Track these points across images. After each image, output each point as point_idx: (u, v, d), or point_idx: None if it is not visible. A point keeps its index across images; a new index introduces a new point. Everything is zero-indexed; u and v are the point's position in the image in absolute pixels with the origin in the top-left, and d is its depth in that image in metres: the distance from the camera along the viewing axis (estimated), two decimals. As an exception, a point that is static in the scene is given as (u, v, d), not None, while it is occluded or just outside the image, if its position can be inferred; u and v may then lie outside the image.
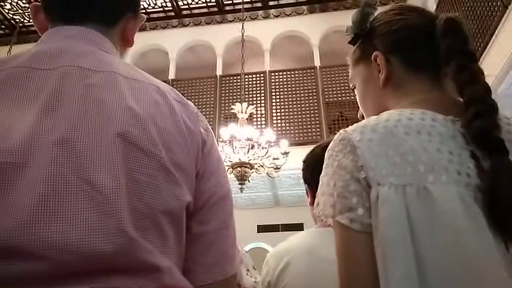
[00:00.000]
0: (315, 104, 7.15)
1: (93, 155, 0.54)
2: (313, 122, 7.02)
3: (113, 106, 0.58)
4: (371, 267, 0.55)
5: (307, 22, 8.04)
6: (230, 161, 4.87)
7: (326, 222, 1.12)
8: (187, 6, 8.32)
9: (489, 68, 4.18)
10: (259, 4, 8.22)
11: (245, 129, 4.98)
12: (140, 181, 0.56)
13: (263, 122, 7.06)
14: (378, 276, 0.54)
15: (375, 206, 0.56)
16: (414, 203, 0.55)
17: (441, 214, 0.54)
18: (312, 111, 7.13)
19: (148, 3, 8.05)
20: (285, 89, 7.43)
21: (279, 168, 5.10)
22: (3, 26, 8.46)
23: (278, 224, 7.90)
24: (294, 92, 7.35)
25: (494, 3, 4.23)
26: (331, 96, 7.18)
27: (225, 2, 8.23)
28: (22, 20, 8.22)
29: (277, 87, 7.47)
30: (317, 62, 7.58)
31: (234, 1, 8.14)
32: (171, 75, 7.88)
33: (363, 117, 0.81)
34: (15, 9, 8.05)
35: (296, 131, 6.96)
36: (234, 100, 6.51)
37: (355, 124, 0.65)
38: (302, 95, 7.32)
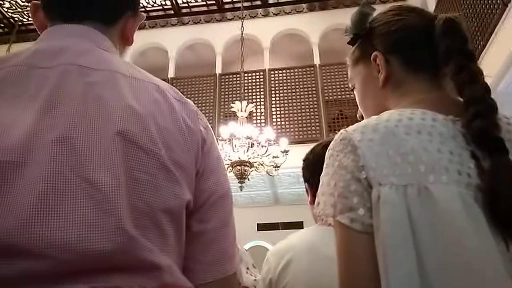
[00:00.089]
0: (315, 102, 7.15)
1: (93, 154, 0.54)
2: (312, 121, 7.02)
3: (112, 104, 0.58)
4: (371, 267, 0.55)
5: (306, 20, 8.03)
6: (230, 160, 4.87)
7: (327, 221, 1.13)
8: (186, 5, 8.32)
9: (489, 66, 4.18)
10: (258, 2, 8.21)
11: (244, 128, 4.98)
12: (140, 180, 0.56)
13: (263, 121, 7.06)
14: (378, 276, 0.54)
15: (376, 206, 0.57)
16: (415, 203, 0.55)
17: (442, 214, 0.54)
18: (311, 109, 7.13)
19: (147, 2, 8.04)
20: (285, 88, 7.42)
21: (279, 167, 5.10)
22: (2, 25, 8.45)
23: (278, 223, 7.91)
24: (293, 90, 7.35)
25: (494, 1, 4.23)
26: (330, 94, 7.19)
27: (224, 1, 8.22)
28: (21, 18, 8.21)
29: (276, 85, 7.47)
30: (316, 60, 7.58)
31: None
32: (171, 74, 7.88)
33: (362, 117, 0.81)
34: (14, 7, 8.03)
35: (296, 129, 6.96)
36: (234, 99, 6.51)
37: (355, 124, 0.65)
38: (301, 93, 7.32)
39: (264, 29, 8.03)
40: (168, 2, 8.19)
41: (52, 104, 0.56)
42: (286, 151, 4.97)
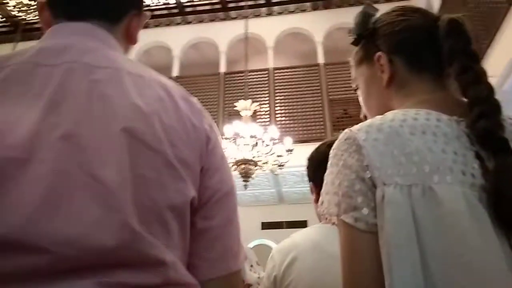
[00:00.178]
0: (319, 101, 7.14)
1: (98, 151, 0.54)
2: (317, 120, 7.01)
3: (117, 102, 0.59)
4: (375, 266, 0.56)
5: (310, 19, 8.02)
6: (234, 158, 4.87)
7: (331, 220, 1.13)
8: (190, 3, 8.32)
9: (494, 65, 4.16)
10: (262, 1, 8.20)
11: (249, 126, 4.98)
12: (145, 176, 0.56)
13: (267, 119, 7.06)
14: (382, 275, 0.54)
15: (381, 206, 0.57)
16: (420, 203, 0.55)
17: (446, 215, 0.54)
18: (316, 109, 7.12)
19: (151, 0, 8.05)
20: (289, 86, 7.42)
21: (283, 166, 5.10)
22: (7, 24, 8.49)
23: (282, 221, 7.91)
24: (298, 89, 7.35)
25: (498, 1, 4.21)
26: (335, 93, 7.17)
27: (228, -1, 8.22)
28: (26, 17, 8.25)
29: (281, 84, 7.46)
30: (320, 59, 7.57)
31: (238, -2, 8.14)
32: (175, 72, 7.89)
33: (366, 118, 0.81)
34: (19, 6, 8.07)
35: (300, 128, 6.96)
36: (238, 97, 6.51)
37: (360, 124, 0.65)
38: (306, 92, 7.31)
39: (268, 28, 8.02)
40: (173, 1, 8.20)
41: (56, 102, 0.56)
42: (290, 150, 4.97)
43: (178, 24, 8.45)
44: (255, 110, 5.69)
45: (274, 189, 7.60)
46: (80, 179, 0.51)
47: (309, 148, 1.31)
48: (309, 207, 1.39)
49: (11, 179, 0.49)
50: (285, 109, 7.24)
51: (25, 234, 0.47)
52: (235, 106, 5.63)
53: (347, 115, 7.06)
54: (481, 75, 0.65)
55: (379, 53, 0.76)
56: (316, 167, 1.18)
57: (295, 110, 7.18)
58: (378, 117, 0.65)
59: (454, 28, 0.69)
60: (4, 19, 8.38)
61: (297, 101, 7.24)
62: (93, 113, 0.56)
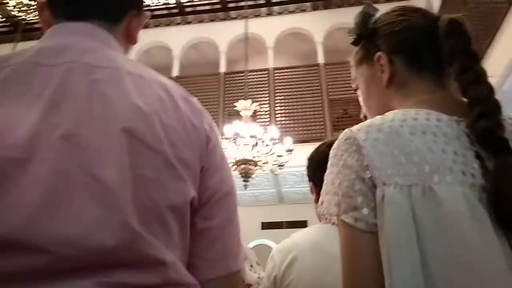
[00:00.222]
0: (319, 101, 7.14)
1: (98, 151, 0.54)
2: (317, 120, 7.02)
3: (117, 102, 0.58)
4: (375, 266, 0.56)
5: (310, 19, 8.02)
6: (234, 158, 4.87)
7: (331, 220, 1.13)
8: (190, 3, 8.32)
9: (495, 65, 4.17)
10: (262, 1, 8.20)
11: (249, 126, 4.98)
12: (145, 176, 0.56)
13: (267, 119, 7.06)
14: (382, 275, 0.54)
15: (381, 206, 0.57)
16: (420, 203, 0.55)
17: (446, 215, 0.54)
18: (316, 109, 7.12)
19: (151, 0, 8.05)
20: (289, 86, 7.42)
21: (283, 166, 5.10)
22: (7, 24, 8.49)
23: (282, 221, 7.91)
24: (298, 89, 7.35)
25: (499, 1, 4.21)
26: (335, 93, 7.18)
27: (228, -1, 8.23)
28: (26, 17, 8.25)
29: (281, 84, 7.46)
30: (321, 59, 7.57)
31: (238, -2, 8.14)
32: (175, 72, 7.89)
33: (366, 118, 0.81)
34: (19, 6, 8.07)
35: (300, 128, 6.96)
36: (238, 98, 6.51)
37: (360, 124, 0.65)
38: (306, 92, 7.31)
39: (268, 28, 8.02)
40: (173, 1, 8.20)
41: (56, 102, 0.56)
42: (290, 150, 4.98)
43: (178, 24, 8.45)
44: (255, 110, 5.69)
45: (274, 189, 7.60)
46: (80, 179, 0.51)
47: (309, 148, 1.31)
48: (309, 207, 1.39)
49: (11, 179, 0.49)
50: (285, 109, 7.24)
51: (25, 234, 0.46)
52: (235, 106, 5.63)
53: (347, 115, 7.06)
54: (481, 75, 0.65)
55: (379, 53, 0.76)
56: (316, 167, 1.18)
57: (295, 110, 7.18)
58: (378, 117, 0.65)
59: (454, 28, 0.69)
60: (4, 19, 8.39)
61: (297, 101, 7.24)
62: (93, 113, 0.56)
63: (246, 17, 6.72)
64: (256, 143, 4.95)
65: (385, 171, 0.58)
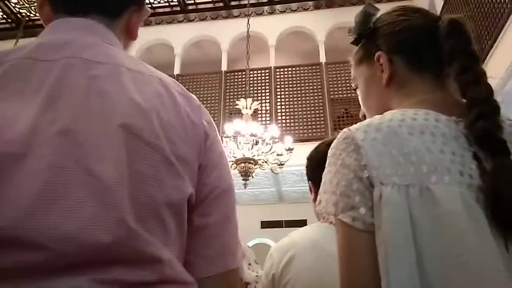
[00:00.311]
0: (320, 100, 7.14)
1: (95, 146, 0.54)
2: (318, 119, 7.01)
3: (116, 97, 0.58)
4: (372, 266, 0.56)
5: (312, 18, 8.01)
6: (234, 157, 4.88)
7: (328, 219, 1.13)
8: (193, 1, 8.32)
9: (497, 66, 4.16)
10: (264, 0, 8.20)
11: (249, 125, 4.98)
12: (143, 172, 0.56)
13: (268, 118, 7.06)
14: (379, 274, 0.54)
15: (378, 205, 0.57)
16: (417, 203, 0.55)
17: (443, 215, 0.54)
18: (317, 108, 7.12)
19: (154, -2, 8.05)
20: (290, 85, 7.42)
21: (283, 164, 5.10)
22: (9, 20, 8.50)
23: (282, 220, 7.92)
24: (299, 88, 7.34)
25: (501, 1, 4.20)
26: (336, 92, 7.17)
27: (230, -3, 8.22)
28: (28, 14, 8.26)
29: (282, 83, 7.46)
30: (322, 59, 7.56)
31: (240, -4, 8.13)
32: (176, 70, 7.89)
33: (365, 117, 0.81)
34: (21, 3, 8.08)
35: (301, 127, 6.96)
36: (239, 96, 6.52)
37: (358, 123, 0.65)
38: (307, 91, 7.31)
39: (270, 26, 8.02)
40: (175, -1, 8.20)
41: (54, 98, 0.56)
42: (290, 149, 4.97)
43: (180, 22, 8.45)
44: (256, 109, 5.68)
45: (274, 188, 7.61)
46: (77, 174, 0.51)
47: (310, 147, 1.31)
48: (308, 206, 1.39)
49: (8, 174, 0.49)
50: (286, 108, 7.24)
51: (22, 229, 0.46)
52: (236, 105, 5.63)
53: (348, 114, 7.06)
54: (481, 76, 0.65)
55: (379, 53, 0.76)
56: (315, 167, 1.18)
57: (296, 109, 7.18)
58: (377, 116, 0.65)
59: (455, 28, 0.69)
60: (6, 15, 8.39)
61: (298, 100, 7.24)
62: (91, 109, 0.56)
63: (248, 15, 6.71)
64: (257, 141, 4.95)
65: (383, 170, 0.58)
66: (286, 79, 7.50)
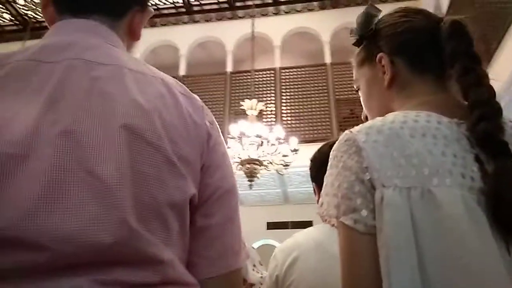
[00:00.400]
0: (326, 101, 7.13)
1: (97, 147, 0.54)
2: (323, 120, 7.00)
3: (118, 98, 0.58)
4: (374, 268, 0.56)
5: (318, 18, 8.00)
6: (240, 158, 4.88)
7: (330, 221, 1.13)
8: (198, 3, 8.34)
9: (503, 66, 4.13)
10: (269, 0, 8.20)
11: (254, 126, 4.98)
12: (145, 173, 0.56)
13: (273, 119, 7.06)
14: (380, 277, 0.54)
15: (380, 208, 0.57)
16: (418, 205, 0.55)
17: (445, 218, 0.54)
18: (322, 109, 7.11)
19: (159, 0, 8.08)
20: (296, 86, 7.41)
21: (288, 165, 5.09)
22: (16, 22, 8.56)
23: (288, 221, 7.90)
24: (304, 89, 7.34)
25: (507, 1, 4.17)
26: (341, 93, 7.16)
27: (235, -1, 8.23)
28: (34, 16, 8.32)
29: (287, 84, 7.46)
30: (327, 59, 7.55)
31: (245, -3, 8.14)
32: (182, 72, 7.91)
33: (366, 118, 0.81)
34: (28, 5, 8.14)
35: (306, 128, 6.95)
36: (244, 97, 6.51)
37: (360, 125, 0.65)
38: (312, 92, 7.30)
39: (275, 27, 8.02)
40: (180, 0, 8.22)
41: (56, 99, 0.56)
42: (295, 150, 4.97)
43: (185, 23, 8.47)
44: (261, 110, 5.68)
45: (280, 189, 7.60)
46: (78, 175, 0.51)
47: (315, 148, 1.31)
48: (314, 208, 1.38)
49: (9, 175, 0.49)
50: (291, 109, 7.23)
51: (24, 230, 0.47)
52: (241, 106, 5.63)
53: (353, 115, 7.04)
54: (483, 78, 0.65)
55: (380, 54, 0.76)
56: (319, 168, 1.18)
57: (301, 110, 7.17)
58: (379, 118, 0.65)
59: (457, 29, 0.68)
60: (13, 17, 8.46)
61: (304, 101, 7.23)
62: (93, 110, 0.56)
63: (253, 16, 6.72)
64: (262, 142, 4.95)
65: (384, 173, 0.58)
66: (291, 80, 7.50)
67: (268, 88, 7.45)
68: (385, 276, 0.53)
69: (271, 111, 7.21)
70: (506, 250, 0.54)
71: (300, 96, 7.29)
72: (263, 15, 8.11)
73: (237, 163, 4.85)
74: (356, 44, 0.82)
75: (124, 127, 0.56)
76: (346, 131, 0.66)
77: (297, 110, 7.20)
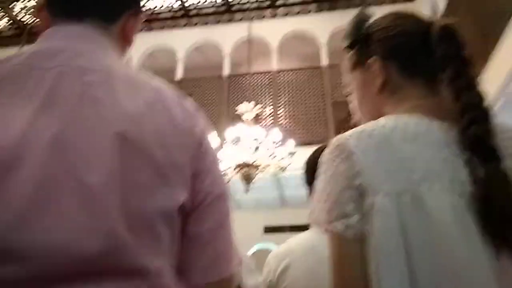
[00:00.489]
0: (323, 103, 7.14)
1: (87, 155, 0.53)
2: (320, 122, 7.00)
3: (108, 105, 0.58)
4: (364, 273, 0.56)
5: (314, 21, 8.03)
6: (236, 162, 4.87)
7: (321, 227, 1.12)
8: (195, 6, 8.35)
9: (499, 67, 4.15)
10: (266, 3, 8.22)
11: (251, 129, 4.98)
12: (135, 181, 0.55)
13: (270, 122, 7.06)
14: (369, 282, 0.54)
15: (370, 213, 0.57)
16: (408, 211, 0.55)
17: (434, 223, 0.54)
18: (319, 111, 7.11)
19: (156, 3, 8.09)
20: (293, 89, 7.42)
21: (285, 169, 5.09)
22: (14, 27, 8.56)
23: (285, 225, 7.88)
24: (301, 91, 7.34)
25: (504, 2, 4.19)
26: (338, 96, 7.16)
27: (232, 2, 8.24)
28: (32, 21, 8.31)
29: (284, 86, 7.47)
30: (324, 62, 7.56)
31: (242, 1, 8.15)
32: (179, 75, 7.91)
33: (359, 123, 0.81)
34: (25, 10, 8.14)
35: (303, 131, 6.95)
36: (241, 100, 6.51)
37: (351, 130, 0.65)
38: (309, 94, 7.31)
39: (272, 30, 8.03)
40: (177, 4, 8.23)
41: (48, 104, 0.56)
42: (292, 153, 4.97)
43: (182, 27, 8.48)
44: (258, 113, 5.68)
45: (277, 192, 7.59)
46: (67, 184, 0.51)
47: (312, 151, 1.31)
48: (310, 211, 1.38)
49: None
50: (288, 112, 7.23)
51: (7, 241, 0.46)
52: (238, 109, 5.63)
53: (350, 117, 7.04)
54: (474, 81, 0.65)
55: (372, 58, 0.75)
56: (313, 172, 1.17)
57: (298, 113, 7.17)
58: (370, 123, 0.65)
59: (447, 33, 0.68)
60: (10, 22, 8.45)
61: (301, 104, 7.24)
62: (84, 117, 0.56)
63: (250, 19, 6.73)
64: (257, 147, 4.94)
65: (375, 177, 0.58)
66: (288, 82, 7.50)
67: (265, 91, 7.46)
68: (375, 282, 0.53)
69: (268, 114, 7.22)
70: (495, 256, 0.54)
71: (297, 99, 7.29)
72: (260, 18, 8.13)
73: (234, 167, 4.84)
74: (348, 48, 0.82)
75: (114, 134, 0.56)
76: (338, 136, 0.65)
77: (294, 113, 7.21)
